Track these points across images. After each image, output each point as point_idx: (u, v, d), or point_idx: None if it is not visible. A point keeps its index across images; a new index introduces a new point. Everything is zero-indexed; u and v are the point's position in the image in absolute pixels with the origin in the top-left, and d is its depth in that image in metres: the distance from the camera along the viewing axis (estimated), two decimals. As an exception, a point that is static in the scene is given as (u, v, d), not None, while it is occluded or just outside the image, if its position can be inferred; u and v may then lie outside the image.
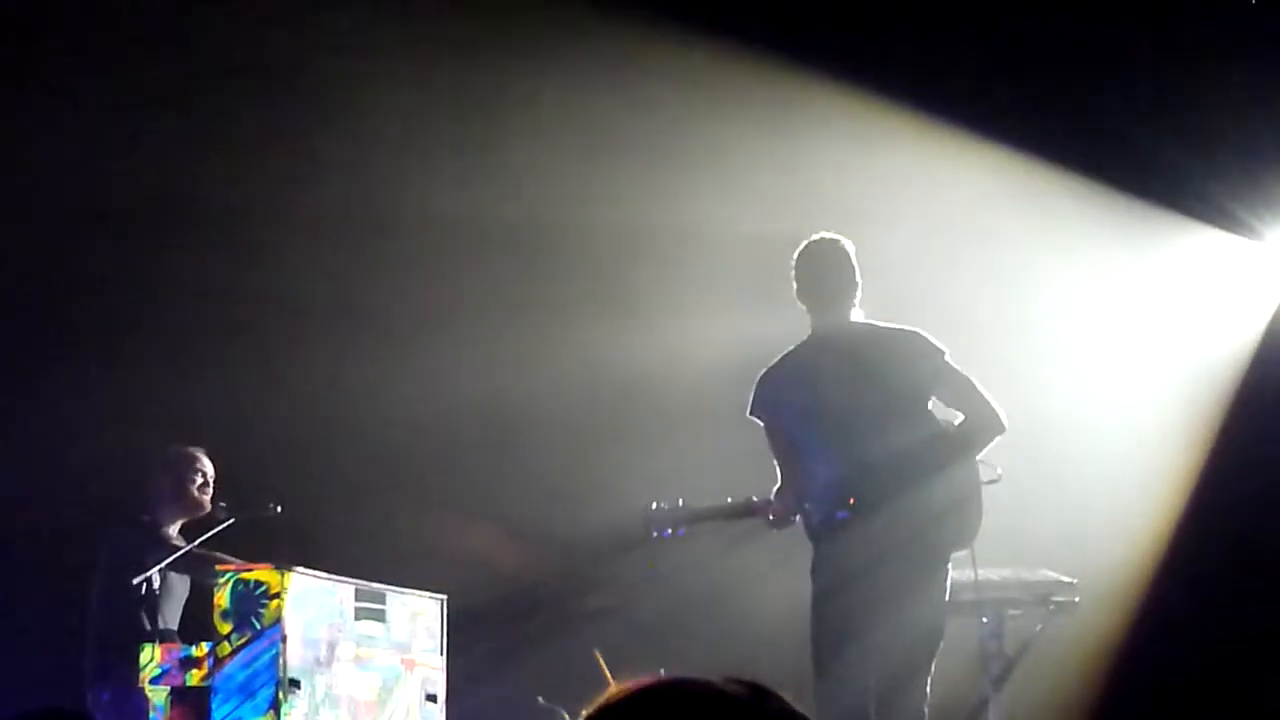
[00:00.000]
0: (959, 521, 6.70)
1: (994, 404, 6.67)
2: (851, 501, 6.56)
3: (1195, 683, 8.76)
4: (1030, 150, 9.14)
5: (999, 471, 6.85)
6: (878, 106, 9.09)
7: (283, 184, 9.39)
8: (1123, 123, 8.99)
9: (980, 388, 6.69)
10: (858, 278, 6.85)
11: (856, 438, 6.63)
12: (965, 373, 6.73)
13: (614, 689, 1.80)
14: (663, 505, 7.03)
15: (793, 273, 6.89)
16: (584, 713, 1.79)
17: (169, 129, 9.37)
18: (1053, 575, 7.77)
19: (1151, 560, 9.23)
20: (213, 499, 8.20)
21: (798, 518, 6.76)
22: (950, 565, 6.69)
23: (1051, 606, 7.63)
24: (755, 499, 6.79)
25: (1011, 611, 7.50)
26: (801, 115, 9.15)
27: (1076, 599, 7.72)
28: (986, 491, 6.79)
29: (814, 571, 6.69)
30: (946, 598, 6.65)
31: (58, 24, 9.10)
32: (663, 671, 1.85)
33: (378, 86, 9.33)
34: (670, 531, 7.03)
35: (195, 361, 9.62)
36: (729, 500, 6.95)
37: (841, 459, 6.64)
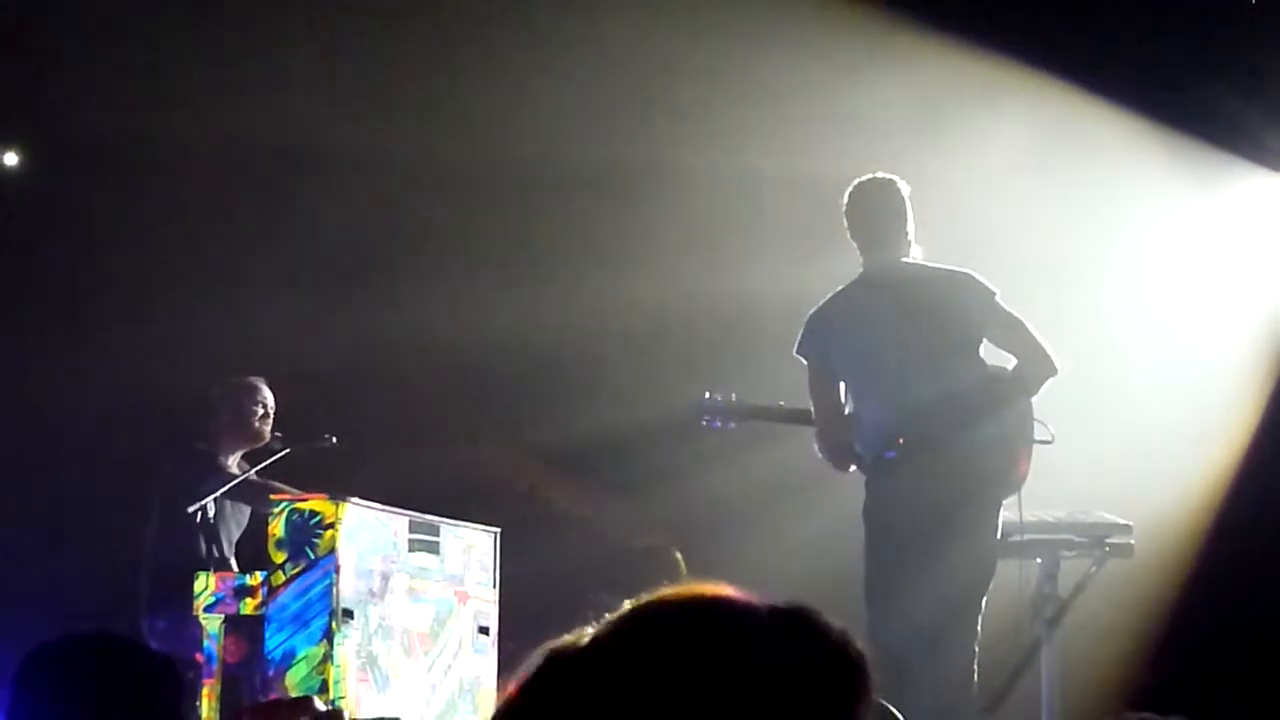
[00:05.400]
0: (1009, 464, 6.67)
1: (1046, 345, 6.64)
2: (900, 441, 6.55)
3: (1250, 628, 8.71)
4: (1087, 89, 9.04)
5: (1052, 432, 6.82)
6: (932, 45, 9.00)
7: (335, 127, 9.39)
8: (1179, 62, 8.87)
9: (1032, 329, 6.66)
10: (910, 218, 6.81)
11: (906, 378, 6.61)
12: (1017, 314, 6.69)
13: (666, 590, 1.77)
14: (716, 396, 7.04)
15: (844, 211, 6.85)
16: (632, 601, 1.76)
17: (213, 74, 9.38)
18: (1109, 517, 7.72)
19: (1209, 506, 9.17)
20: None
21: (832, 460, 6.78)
22: (1002, 506, 6.68)
23: (1106, 548, 7.58)
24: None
25: (1065, 553, 7.45)
26: (852, 52, 9.06)
27: (1132, 542, 7.67)
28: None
29: (865, 511, 6.69)
30: (998, 537, 6.64)
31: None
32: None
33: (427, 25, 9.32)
34: (720, 423, 7.05)
35: (254, 295, 9.66)
36: (782, 403, 6.96)
37: (891, 399, 6.62)
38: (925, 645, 6.43)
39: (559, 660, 1.74)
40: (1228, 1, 8.86)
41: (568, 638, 1.77)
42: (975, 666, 6.62)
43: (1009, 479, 6.72)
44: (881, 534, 6.61)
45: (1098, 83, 8.99)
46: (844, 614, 1.80)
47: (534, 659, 1.76)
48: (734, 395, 7.09)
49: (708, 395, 7.09)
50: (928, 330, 6.67)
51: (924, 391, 6.59)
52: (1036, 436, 6.78)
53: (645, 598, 1.76)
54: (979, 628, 6.61)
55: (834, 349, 6.74)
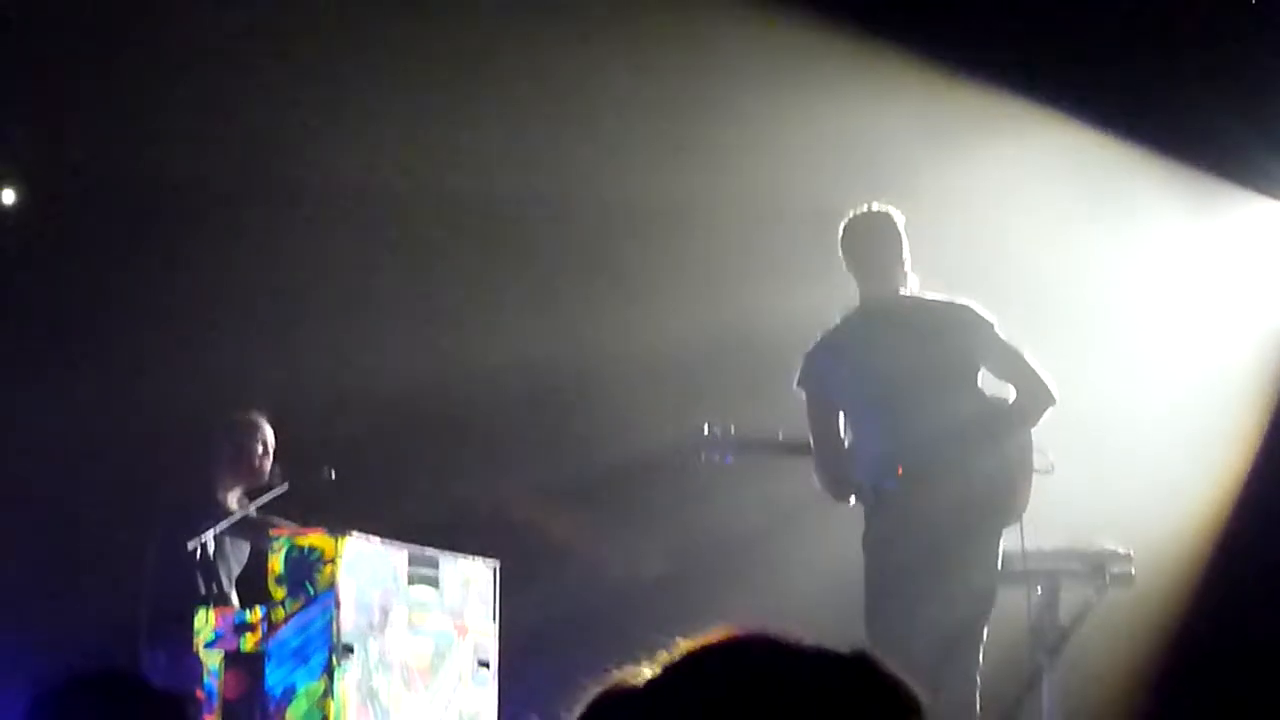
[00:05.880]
0: (1009, 494, 6.68)
1: (1044, 375, 6.63)
2: (899, 472, 6.55)
3: (1251, 657, 8.70)
4: (1085, 119, 9.06)
5: (1052, 460, 6.82)
6: (933, 77, 9.02)
7: (328, 161, 9.42)
8: (1181, 91, 8.89)
9: (1030, 359, 6.66)
10: (906, 249, 6.81)
11: (904, 409, 6.61)
12: (1015, 344, 6.70)
13: (721, 630, 1.75)
14: (715, 429, 7.04)
15: (839, 244, 6.86)
16: (677, 651, 1.75)
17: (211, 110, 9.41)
18: (1108, 547, 7.72)
19: (1209, 535, 9.16)
20: (268, 465, 8.25)
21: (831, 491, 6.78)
22: (1002, 536, 6.68)
23: (1107, 578, 7.58)
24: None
25: (1066, 582, 7.45)
26: (848, 84, 9.08)
27: (1132, 571, 7.67)
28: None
29: (864, 541, 6.69)
30: (998, 566, 6.64)
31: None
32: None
33: (399, 66, 9.35)
34: (719, 456, 7.05)
35: (254, 329, 9.67)
36: (780, 436, 6.96)
37: (889, 430, 6.63)
38: (927, 676, 6.42)
39: (615, 698, 1.72)
40: (1227, 28, 8.87)
41: (620, 675, 1.75)
42: (978, 696, 6.61)
43: (1009, 508, 6.72)
44: (881, 564, 6.61)
45: (1097, 112, 9.00)
46: (845, 645, 1.79)
47: (588, 696, 1.75)
48: (733, 428, 7.09)
49: (706, 428, 7.09)
50: (925, 361, 6.67)
51: (922, 422, 6.58)
52: (1036, 466, 6.78)
53: (701, 638, 1.75)
54: (981, 657, 6.60)
55: (832, 381, 6.74)
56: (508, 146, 9.64)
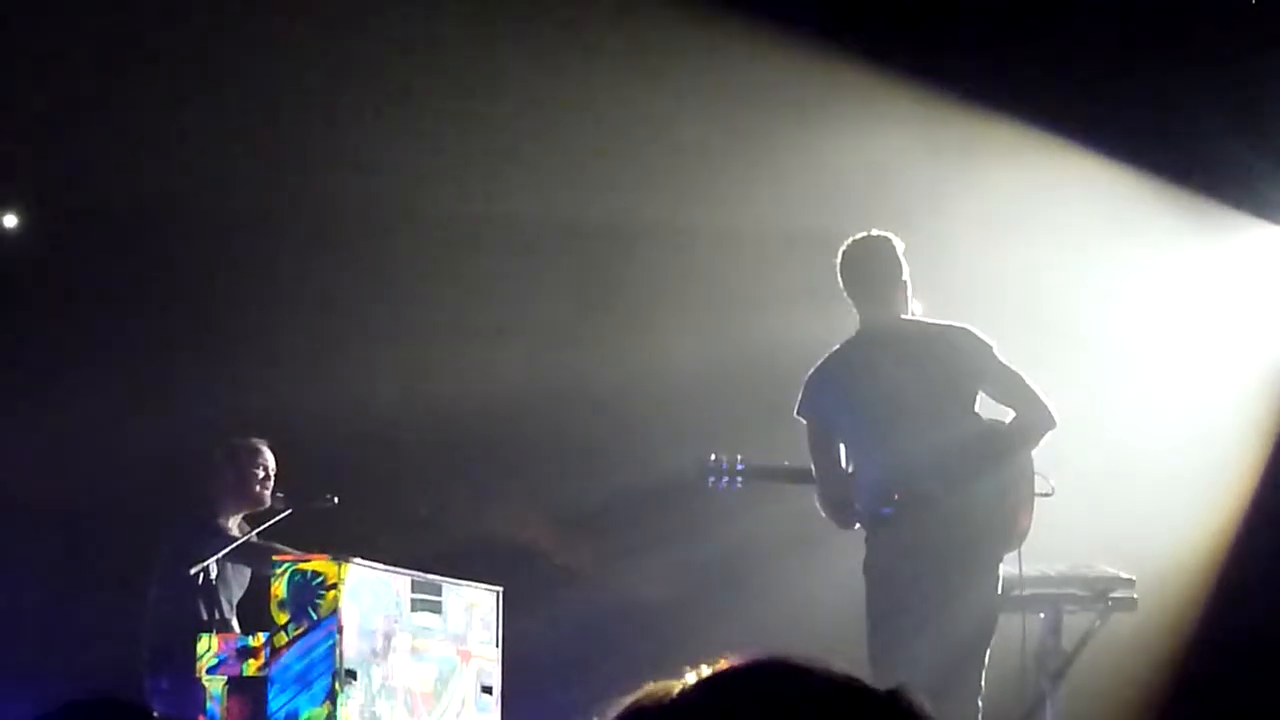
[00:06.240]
0: (1009, 519, 6.67)
1: (1044, 399, 6.62)
2: (896, 498, 6.55)
3: (1253, 681, 8.69)
4: (1087, 144, 9.08)
5: (1052, 484, 6.82)
6: (931, 101, 9.04)
7: (330, 183, 9.44)
8: (1181, 114, 8.91)
9: (1030, 383, 6.65)
10: (905, 274, 6.81)
11: (901, 434, 6.61)
12: (1014, 368, 6.69)
13: (752, 655, 1.75)
14: (721, 456, 7.04)
15: (838, 270, 6.86)
16: (694, 677, 1.74)
17: (207, 127, 9.42)
18: (1111, 571, 7.72)
19: (1212, 559, 9.16)
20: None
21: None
22: (1001, 561, 6.68)
23: (1110, 603, 7.58)
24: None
25: (1068, 607, 7.45)
26: (854, 110, 9.10)
27: (1135, 595, 7.67)
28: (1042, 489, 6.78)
29: (865, 567, 6.70)
30: (998, 591, 6.63)
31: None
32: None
33: (420, 82, 9.36)
34: (726, 483, 7.05)
35: (255, 355, 9.68)
36: (786, 464, 6.97)
37: (886, 455, 6.63)
38: (929, 700, 6.40)
39: (647, 712, 1.71)
40: (1229, 53, 8.89)
41: (652, 689, 1.74)
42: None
43: (1009, 533, 6.71)
44: (882, 590, 6.61)
45: (1099, 137, 9.02)
46: (849, 670, 1.79)
47: (617, 708, 1.74)
48: (739, 456, 7.09)
49: (713, 457, 7.09)
50: (922, 385, 6.67)
51: (919, 447, 6.58)
52: (1036, 489, 6.78)
53: (729, 659, 1.74)
54: (983, 682, 6.60)
55: (831, 408, 6.75)
56: (511, 169, 9.66)
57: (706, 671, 1.72)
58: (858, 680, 1.72)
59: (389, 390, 9.63)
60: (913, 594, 6.50)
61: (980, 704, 6.58)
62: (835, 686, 1.71)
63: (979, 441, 6.63)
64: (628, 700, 1.73)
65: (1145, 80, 8.94)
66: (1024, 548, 6.79)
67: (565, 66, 9.30)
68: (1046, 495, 6.80)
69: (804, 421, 6.80)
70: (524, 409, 9.70)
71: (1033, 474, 6.77)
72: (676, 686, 1.71)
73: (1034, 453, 6.78)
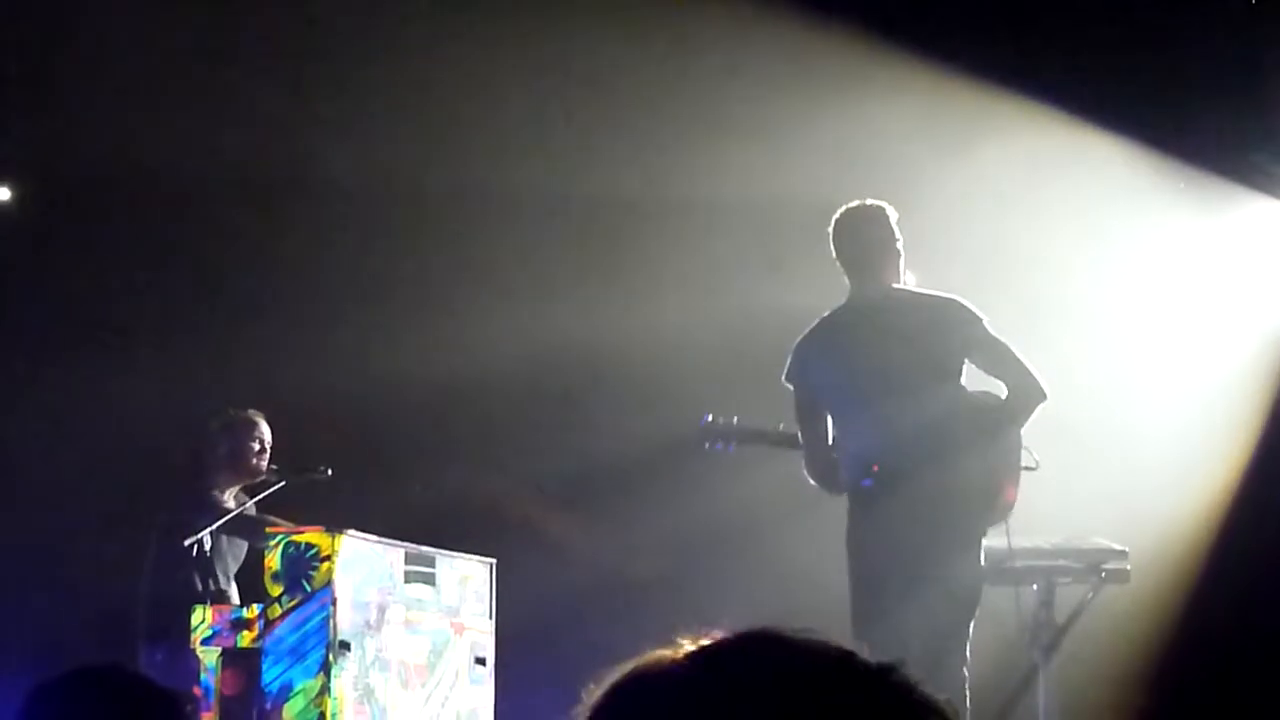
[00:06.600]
0: (994, 491, 6.65)
1: (1034, 372, 6.59)
2: (875, 469, 6.53)
3: (1246, 653, 8.71)
4: (1085, 117, 9.06)
5: (1037, 459, 6.81)
6: (927, 72, 9.02)
7: (330, 155, 9.43)
8: (1179, 87, 8.90)
9: (1020, 356, 6.62)
10: (899, 244, 6.78)
11: (883, 405, 6.57)
12: (1005, 340, 6.66)
13: (755, 627, 1.74)
14: (718, 419, 7.05)
15: (830, 238, 6.84)
16: (690, 646, 1.74)
17: (210, 104, 9.42)
18: (1104, 543, 7.73)
19: (1206, 532, 9.17)
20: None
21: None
22: (985, 533, 6.66)
23: (1102, 575, 7.59)
24: None
25: (1061, 580, 7.46)
26: (850, 81, 9.09)
27: (1128, 567, 7.69)
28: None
29: (847, 539, 6.68)
30: (981, 563, 6.61)
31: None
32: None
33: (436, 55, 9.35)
34: (722, 445, 7.06)
35: (251, 326, 9.68)
36: (782, 426, 6.96)
37: (869, 426, 6.60)
38: (915, 674, 6.39)
39: (644, 681, 1.71)
40: (1228, 26, 8.88)
41: (645, 660, 1.74)
42: (967, 691, 6.57)
43: (992, 506, 6.67)
44: (863, 562, 6.59)
45: (1094, 109, 9.00)
46: (836, 640, 1.79)
47: (610, 679, 1.74)
48: (735, 418, 7.10)
49: (709, 418, 7.09)
50: (907, 356, 6.63)
51: (901, 419, 6.54)
52: (1023, 463, 6.76)
53: (721, 634, 1.74)
54: (968, 653, 6.57)
55: (817, 375, 6.72)
56: (505, 141, 9.65)
57: (698, 644, 1.72)
58: (850, 653, 1.72)
59: (383, 362, 9.62)
60: (893, 566, 6.47)
61: (966, 674, 6.55)
62: (827, 660, 1.70)
63: (966, 413, 6.60)
64: (620, 671, 1.72)
65: (1143, 53, 8.92)
66: (1017, 521, 6.79)
67: (559, 39, 9.29)
68: (1031, 469, 6.78)
69: (790, 388, 6.79)
70: (517, 380, 9.69)
71: (1019, 447, 6.75)
72: (669, 658, 1.71)
73: (1024, 426, 6.77)
